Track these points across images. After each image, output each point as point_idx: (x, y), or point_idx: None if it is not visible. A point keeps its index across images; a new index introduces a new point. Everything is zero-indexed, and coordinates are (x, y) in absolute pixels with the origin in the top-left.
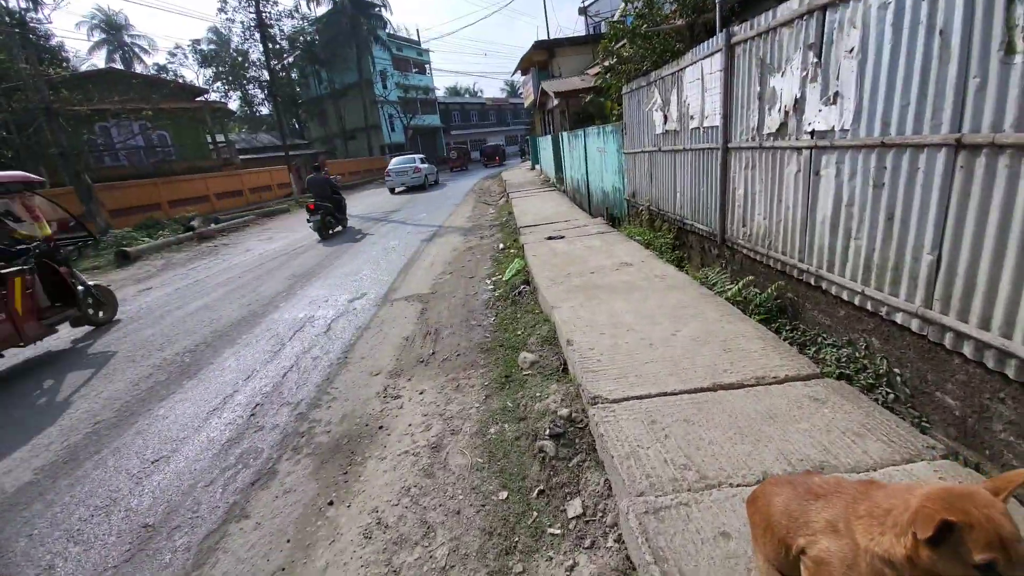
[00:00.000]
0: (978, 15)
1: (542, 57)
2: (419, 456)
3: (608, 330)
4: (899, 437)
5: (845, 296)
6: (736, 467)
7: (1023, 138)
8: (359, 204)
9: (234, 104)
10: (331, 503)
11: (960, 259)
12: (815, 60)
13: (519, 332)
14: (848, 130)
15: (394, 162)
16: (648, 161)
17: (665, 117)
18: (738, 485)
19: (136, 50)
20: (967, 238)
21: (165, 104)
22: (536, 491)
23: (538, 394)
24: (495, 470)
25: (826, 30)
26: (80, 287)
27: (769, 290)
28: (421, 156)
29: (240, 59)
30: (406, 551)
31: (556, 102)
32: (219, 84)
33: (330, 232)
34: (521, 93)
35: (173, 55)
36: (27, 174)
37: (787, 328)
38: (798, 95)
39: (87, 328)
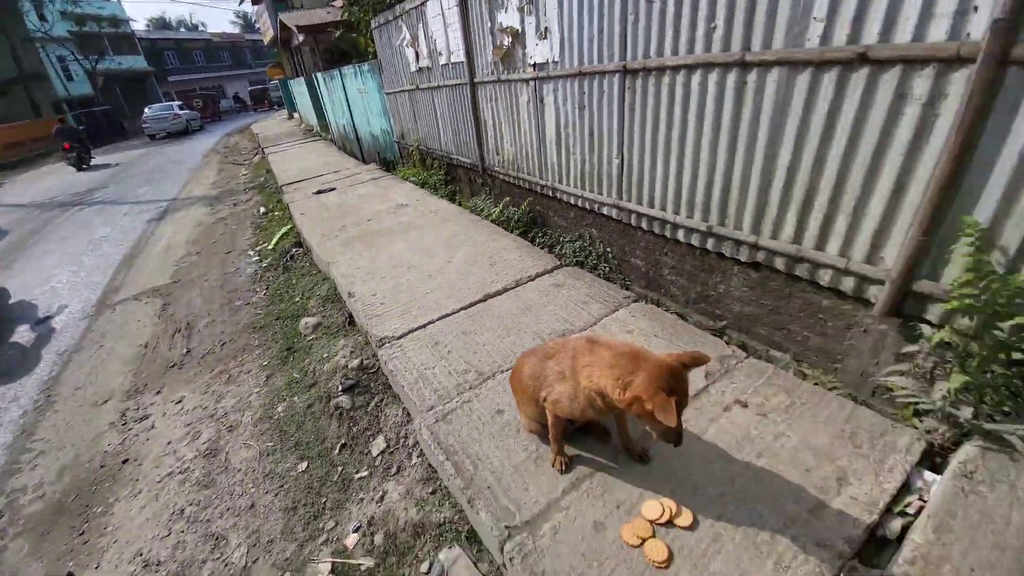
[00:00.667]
0: None
1: None
2: (189, 471)
3: (389, 272)
4: (610, 297)
5: (572, 200)
6: (504, 356)
7: (661, 62)
8: (32, 189)
9: None
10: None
11: (633, 160)
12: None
13: (296, 299)
14: (558, 62)
15: (151, 109)
16: (409, 100)
17: (416, 54)
18: (506, 370)
19: None
20: (635, 143)
21: None
22: (338, 447)
23: (325, 355)
24: (289, 446)
25: None
26: None
27: (522, 207)
28: (179, 103)
29: None
30: (193, 574)
31: (302, 38)
32: None
33: None
34: (258, 27)
35: None
36: None
37: (540, 236)
38: (519, 30)
39: None
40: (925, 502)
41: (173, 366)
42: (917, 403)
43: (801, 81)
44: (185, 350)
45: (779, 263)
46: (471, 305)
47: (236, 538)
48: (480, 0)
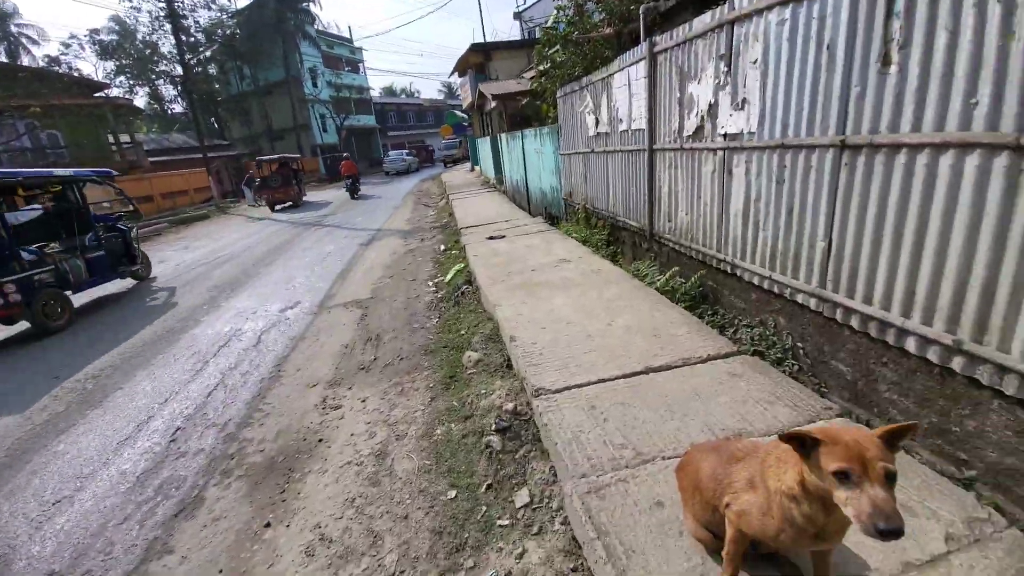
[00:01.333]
0: (859, 31)
1: (478, 59)
2: (363, 465)
3: (549, 325)
4: (802, 402)
5: (756, 281)
6: (667, 442)
7: (895, 138)
8: (288, 212)
9: (141, 101)
10: (268, 525)
11: (846, 245)
12: (725, 69)
13: (463, 332)
14: (755, 132)
15: (391, 155)
16: (582, 162)
17: (596, 120)
18: (669, 457)
19: (24, 40)
20: (851, 226)
21: (56, 100)
22: (484, 486)
23: (483, 391)
24: (443, 471)
25: (734, 42)
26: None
27: (692, 279)
28: (406, 151)
29: (148, 52)
30: (353, 563)
31: (493, 104)
32: (123, 79)
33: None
34: (459, 95)
35: (67, 46)
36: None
37: (709, 313)
38: (712, 101)
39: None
40: None
41: (363, 368)
42: None
43: None
44: (373, 357)
45: None
46: (632, 375)
47: (390, 542)
48: (671, 71)
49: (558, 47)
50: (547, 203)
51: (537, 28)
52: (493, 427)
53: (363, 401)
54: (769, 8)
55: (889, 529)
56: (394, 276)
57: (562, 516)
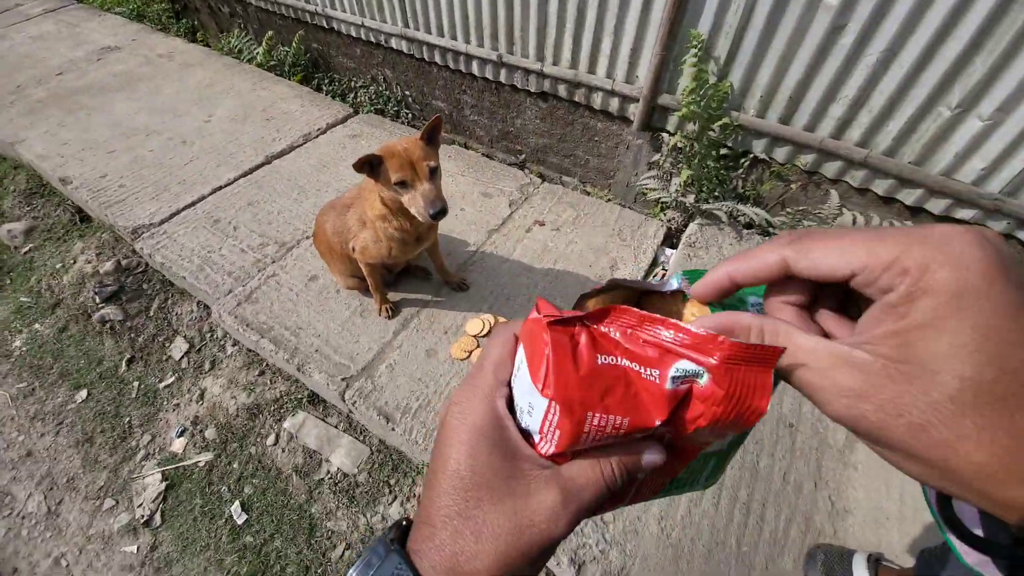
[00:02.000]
0: None
1: None
2: None
3: (118, 144)
4: None
5: (353, 32)
6: (306, 220)
7: None
8: None
9: None
10: None
11: None
12: None
13: None
14: None
15: None
16: None
17: None
18: (311, 235)
19: None
20: None
21: None
22: (124, 363)
23: (59, 265)
24: (52, 380)
25: None
26: None
27: (294, 44)
28: None
29: None
30: None
31: None
32: None
33: None
34: None
35: None
36: None
37: (326, 82)
38: None
39: None
40: (667, 270)
41: None
42: (659, 199)
43: None
44: None
45: (562, 90)
46: (253, 170)
47: (23, 489)
48: None
49: None
50: None
51: None
52: (97, 299)
53: None
54: None
55: (436, 211)
56: None
57: (232, 339)
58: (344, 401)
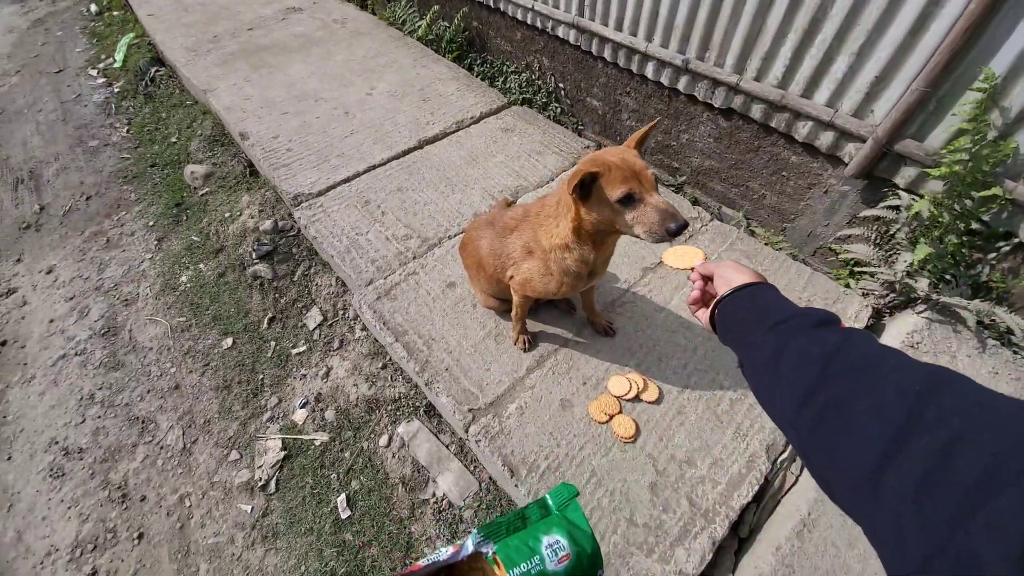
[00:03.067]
0: None
1: None
2: (88, 352)
3: (291, 106)
4: (566, 146)
5: (520, 15)
6: (451, 218)
7: None
8: None
9: None
10: None
11: None
12: None
13: (173, 140)
14: None
15: None
16: None
17: None
18: (455, 235)
19: None
20: None
21: None
22: (266, 321)
23: (228, 214)
24: (206, 322)
25: None
26: None
27: (456, 20)
28: None
29: None
30: (124, 461)
31: None
32: None
33: None
34: None
35: None
36: None
37: (478, 63)
38: None
39: None
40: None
41: (28, 227)
42: (857, 267)
43: None
44: (38, 207)
45: (756, 111)
46: (405, 153)
47: (166, 420)
48: None
49: None
50: None
51: None
52: (254, 255)
53: (49, 272)
54: None
55: (678, 226)
56: (23, 70)
57: (361, 323)
58: (467, 434)
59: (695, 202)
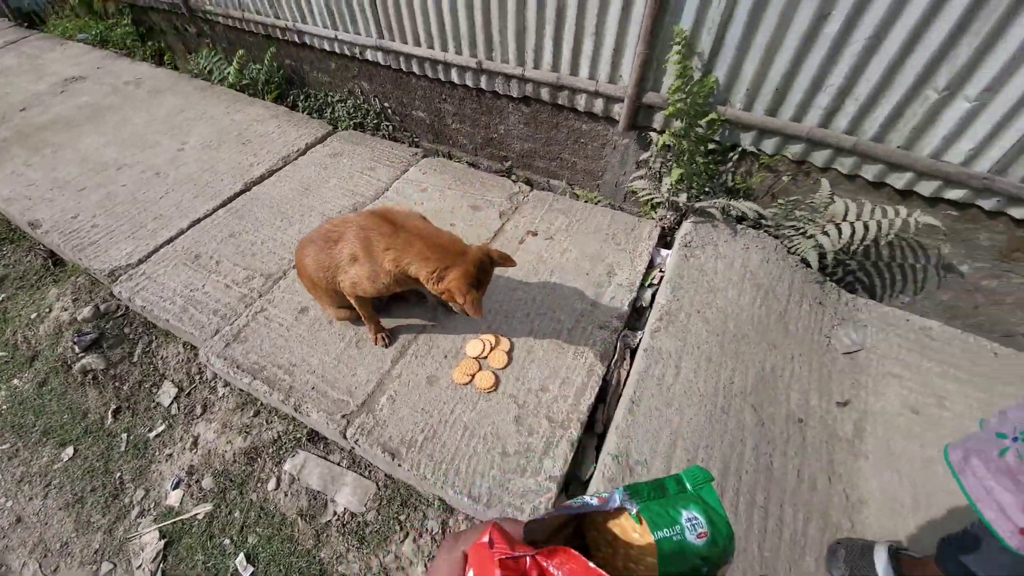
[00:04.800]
0: None
1: None
2: None
3: (89, 181)
4: (397, 157)
5: (327, 46)
6: (292, 249)
7: None
8: None
9: None
10: None
11: None
12: None
13: None
14: None
15: None
16: None
17: None
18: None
19: None
20: None
21: None
22: (110, 414)
23: (34, 315)
24: (36, 439)
25: None
26: None
27: (266, 61)
28: None
29: None
30: None
31: None
32: None
33: None
34: None
35: None
36: None
37: (301, 98)
38: None
39: None
40: (664, 273)
41: None
42: (651, 199)
43: None
44: None
45: (545, 94)
46: (232, 199)
47: (17, 559)
48: None
49: None
50: None
51: None
52: (77, 348)
53: None
54: None
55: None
56: None
57: (222, 380)
58: (346, 439)
59: (527, 182)
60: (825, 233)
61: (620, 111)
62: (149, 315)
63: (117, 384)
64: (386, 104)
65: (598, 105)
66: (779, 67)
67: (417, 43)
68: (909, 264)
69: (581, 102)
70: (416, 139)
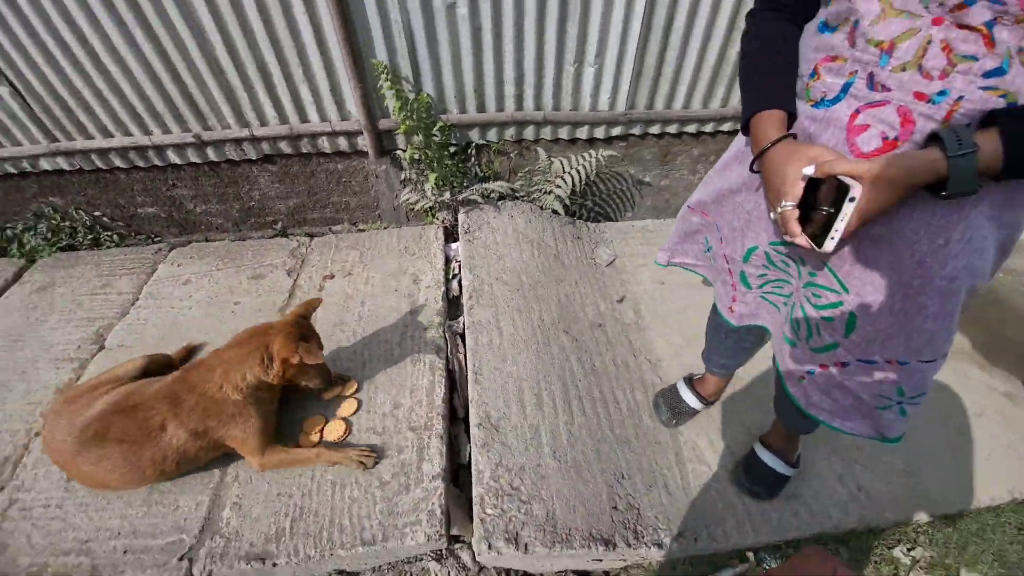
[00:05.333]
0: None
1: None
2: None
3: None
4: (136, 261)
5: None
6: (25, 418)
7: None
8: None
9: None
10: None
11: (34, 75)
12: None
13: None
14: None
15: None
16: None
17: None
18: (34, 430)
19: None
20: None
21: None
22: None
23: None
24: None
25: None
26: None
27: None
28: None
29: None
30: None
31: None
32: None
33: None
34: None
35: None
36: None
37: None
38: None
39: None
40: (459, 261)
41: None
42: (423, 206)
43: None
44: None
45: (285, 146)
46: None
47: None
48: None
49: None
50: None
51: None
52: None
53: None
54: None
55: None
56: None
57: None
58: None
59: (309, 235)
60: (557, 187)
61: (365, 143)
62: None
63: None
64: (96, 213)
65: (342, 143)
66: (467, 74)
67: (108, 134)
68: (619, 190)
69: (325, 144)
70: (155, 238)
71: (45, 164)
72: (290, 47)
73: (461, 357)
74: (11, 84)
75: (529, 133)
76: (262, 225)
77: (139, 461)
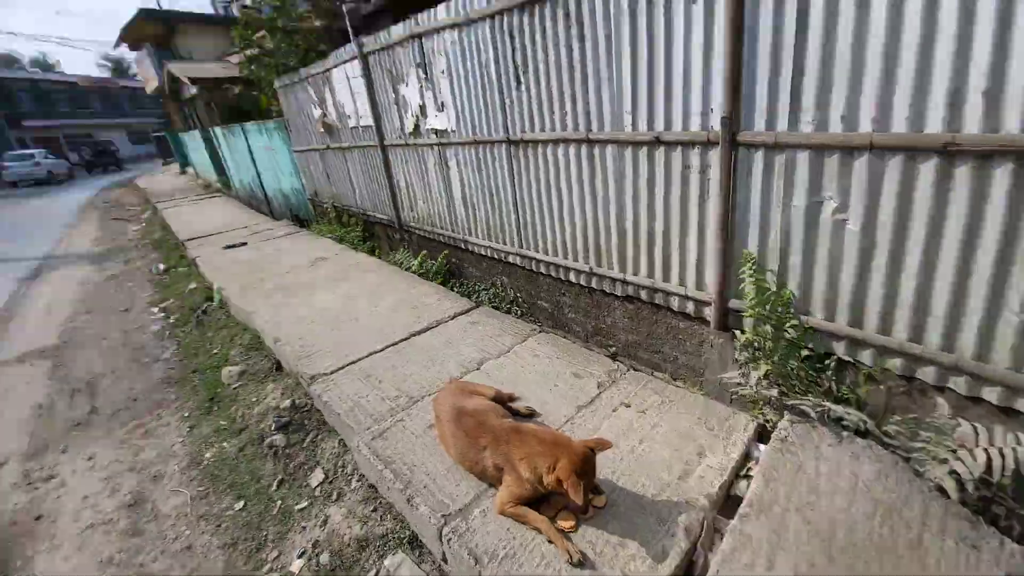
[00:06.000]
0: (500, 57)
1: (156, 31)
2: (113, 522)
3: (316, 318)
4: (520, 330)
5: (482, 251)
6: (432, 382)
7: (536, 136)
8: None
9: None
10: None
11: (525, 214)
12: (424, 75)
13: (215, 351)
14: (456, 130)
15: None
16: (321, 159)
17: (325, 115)
18: (433, 393)
19: None
20: (525, 201)
21: None
22: (276, 483)
23: (254, 399)
24: (223, 489)
25: (425, 53)
26: None
27: (439, 259)
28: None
29: None
30: None
31: (195, 91)
32: None
33: None
34: (136, 74)
35: None
36: None
37: (458, 285)
38: (421, 102)
39: None
40: (759, 465)
41: (78, 425)
42: (748, 395)
43: (627, 154)
44: (89, 409)
45: (643, 294)
46: (398, 342)
47: None
48: (382, 73)
49: (264, 32)
50: (291, 206)
51: (233, 5)
52: (272, 427)
53: (90, 459)
54: (443, 29)
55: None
56: (94, 311)
57: (358, 476)
58: (440, 537)
59: (631, 367)
60: (958, 459)
61: (710, 313)
62: (327, 409)
63: (287, 461)
64: (518, 294)
65: (690, 307)
66: (844, 285)
67: (545, 252)
68: None
69: (675, 303)
70: (538, 322)
71: (510, 258)
72: (675, 223)
73: (709, 556)
74: (517, 213)
75: (929, 375)
76: (602, 344)
77: (464, 451)
